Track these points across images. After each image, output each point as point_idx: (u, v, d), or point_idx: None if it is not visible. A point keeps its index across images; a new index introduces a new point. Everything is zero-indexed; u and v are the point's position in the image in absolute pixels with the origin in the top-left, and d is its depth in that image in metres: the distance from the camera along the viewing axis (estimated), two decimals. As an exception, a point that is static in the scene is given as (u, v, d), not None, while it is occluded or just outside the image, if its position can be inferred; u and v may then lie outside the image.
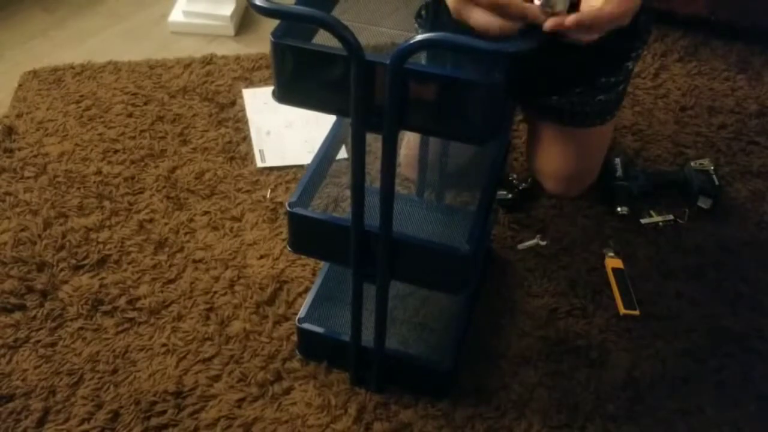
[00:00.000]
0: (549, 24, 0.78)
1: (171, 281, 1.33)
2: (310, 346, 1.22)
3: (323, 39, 0.87)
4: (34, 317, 1.27)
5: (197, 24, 1.96)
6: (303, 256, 1.36)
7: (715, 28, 1.94)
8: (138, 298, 1.30)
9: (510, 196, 1.47)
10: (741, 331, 1.30)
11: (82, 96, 1.71)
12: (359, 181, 0.93)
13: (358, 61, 0.80)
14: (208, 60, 1.83)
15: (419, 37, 0.78)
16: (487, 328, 1.28)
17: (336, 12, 0.99)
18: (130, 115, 1.67)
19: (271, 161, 1.57)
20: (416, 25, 1.48)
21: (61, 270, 1.34)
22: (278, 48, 0.85)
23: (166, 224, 1.43)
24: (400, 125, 0.86)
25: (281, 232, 1.42)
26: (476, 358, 1.23)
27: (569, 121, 1.32)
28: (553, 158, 1.43)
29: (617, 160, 1.54)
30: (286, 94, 0.89)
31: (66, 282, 1.32)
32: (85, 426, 1.13)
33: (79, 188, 1.49)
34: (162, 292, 1.32)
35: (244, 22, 2.01)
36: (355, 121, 0.87)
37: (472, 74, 0.81)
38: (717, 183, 1.51)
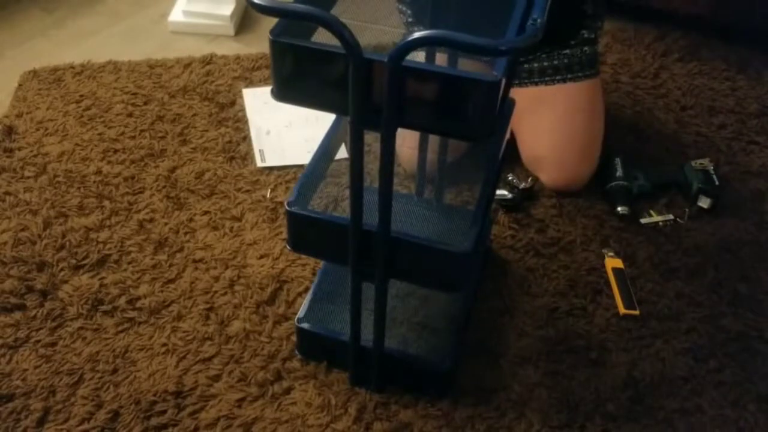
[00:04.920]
0: None
1: (171, 281, 1.33)
2: (310, 346, 1.22)
3: (322, 37, 0.87)
4: (34, 317, 1.27)
5: (197, 24, 1.96)
6: (303, 256, 1.36)
7: (715, 28, 1.94)
8: (138, 298, 1.30)
9: (510, 196, 1.47)
10: (741, 331, 1.30)
11: (82, 96, 1.71)
12: (358, 180, 0.93)
13: (356, 59, 0.80)
14: (208, 60, 1.83)
15: (417, 35, 0.78)
16: (487, 328, 1.28)
17: (338, 11, 0.99)
18: (130, 115, 1.67)
19: (271, 161, 1.57)
20: (400, 6, 1.50)
21: (61, 270, 1.34)
22: (276, 46, 0.85)
23: (166, 224, 1.43)
24: (399, 123, 0.86)
25: (281, 232, 1.42)
26: (476, 358, 1.23)
27: (539, 77, 1.50)
28: (545, 136, 1.50)
29: (617, 160, 1.54)
30: (284, 93, 0.89)
31: (66, 282, 1.32)
32: (85, 426, 1.13)
33: (79, 188, 1.49)
34: (162, 291, 1.31)
35: (244, 21, 2.01)
36: (354, 119, 0.87)
37: (471, 72, 0.81)
38: (717, 183, 1.51)
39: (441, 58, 1.25)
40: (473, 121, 0.84)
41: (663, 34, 1.95)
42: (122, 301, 1.30)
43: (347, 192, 1.49)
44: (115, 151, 1.58)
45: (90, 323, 1.26)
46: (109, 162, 1.55)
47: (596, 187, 1.52)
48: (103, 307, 1.29)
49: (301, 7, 0.80)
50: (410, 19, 1.51)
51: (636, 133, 1.67)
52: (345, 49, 0.80)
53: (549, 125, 1.50)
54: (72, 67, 1.80)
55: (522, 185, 1.50)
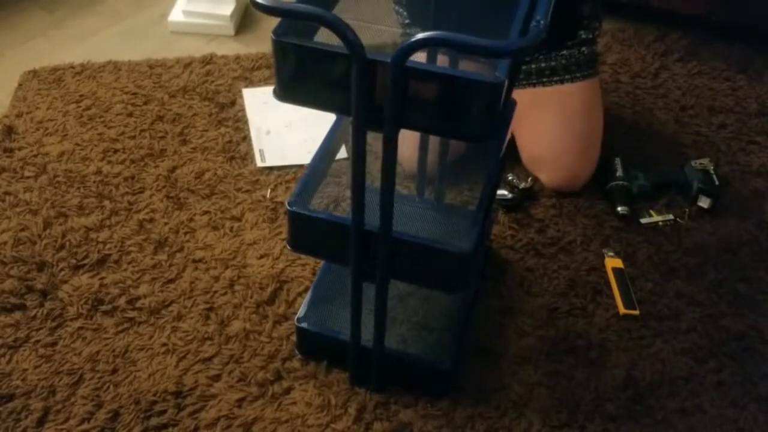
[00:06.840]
0: None
1: (171, 281, 1.33)
2: (310, 346, 1.22)
3: (324, 37, 0.87)
4: (34, 317, 1.27)
5: (197, 24, 1.96)
6: (303, 256, 1.36)
7: (715, 28, 1.94)
8: (138, 298, 1.30)
9: (510, 196, 1.47)
10: (741, 331, 1.30)
11: (82, 96, 1.71)
12: (359, 181, 0.93)
13: (360, 59, 0.80)
14: (208, 60, 1.83)
15: (420, 36, 0.78)
16: (487, 328, 1.28)
17: (337, 10, 0.99)
18: (130, 115, 1.67)
19: (271, 161, 1.57)
20: (396, 7, 1.50)
21: (61, 270, 1.34)
22: (279, 46, 0.85)
23: (166, 224, 1.43)
24: (401, 124, 0.86)
25: (281, 232, 1.42)
26: (476, 358, 1.23)
27: (537, 78, 1.49)
28: (545, 137, 1.50)
29: (617, 160, 1.54)
30: (287, 93, 0.89)
31: (66, 282, 1.32)
32: (85, 426, 1.13)
33: (79, 188, 1.49)
34: (162, 291, 1.31)
35: (244, 21, 2.01)
36: (356, 119, 0.87)
37: (475, 73, 0.81)
38: (717, 183, 1.51)
39: (440, 59, 1.25)
40: (476, 123, 0.84)
41: (663, 34, 1.95)
42: (122, 301, 1.30)
43: (347, 192, 1.49)
44: (115, 151, 1.58)
45: (90, 323, 1.26)
46: (109, 162, 1.55)
47: (596, 187, 1.52)
48: (103, 307, 1.29)
49: (304, 7, 0.80)
50: (407, 20, 1.51)
51: (636, 133, 1.67)
52: (348, 50, 0.80)
53: (548, 126, 1.50)
54: (72, 67, 1.79)
55: (522, 185, 1.50)
